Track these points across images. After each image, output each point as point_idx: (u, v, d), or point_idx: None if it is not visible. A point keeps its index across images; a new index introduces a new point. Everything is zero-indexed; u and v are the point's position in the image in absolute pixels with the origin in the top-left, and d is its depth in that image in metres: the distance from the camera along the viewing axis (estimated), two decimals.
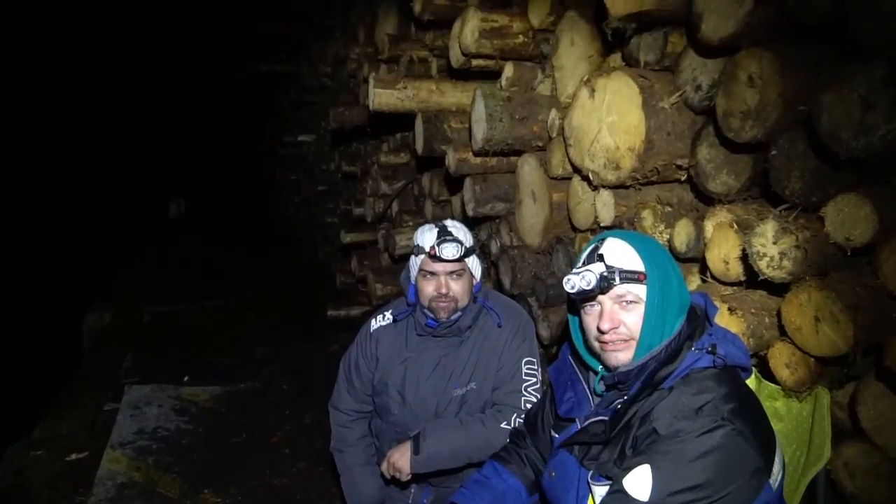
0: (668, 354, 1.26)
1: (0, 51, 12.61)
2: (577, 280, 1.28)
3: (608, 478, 1.27)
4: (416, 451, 1.92)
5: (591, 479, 1.30)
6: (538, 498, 1.63)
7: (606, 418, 1.29)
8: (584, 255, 1.36)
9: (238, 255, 9.84)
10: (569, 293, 1.31)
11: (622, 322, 1.29)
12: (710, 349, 1.24)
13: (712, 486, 1.11)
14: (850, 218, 1.37)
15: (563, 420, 1.45)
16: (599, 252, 1.32)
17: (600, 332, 1.30)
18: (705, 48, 1.64)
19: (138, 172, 16.90)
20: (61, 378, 5.29)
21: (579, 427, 1.37)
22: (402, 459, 1.94)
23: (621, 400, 1.29)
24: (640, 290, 1.28)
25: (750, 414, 1.20)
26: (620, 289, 1.28)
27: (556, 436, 1.48)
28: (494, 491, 1.61)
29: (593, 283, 1.26)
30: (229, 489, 3.44)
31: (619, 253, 1.30)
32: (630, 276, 1.27)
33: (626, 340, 1.29)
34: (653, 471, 1.15)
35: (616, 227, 2.09)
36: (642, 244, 1.33)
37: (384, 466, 2.00)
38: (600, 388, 1.39)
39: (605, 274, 1.27)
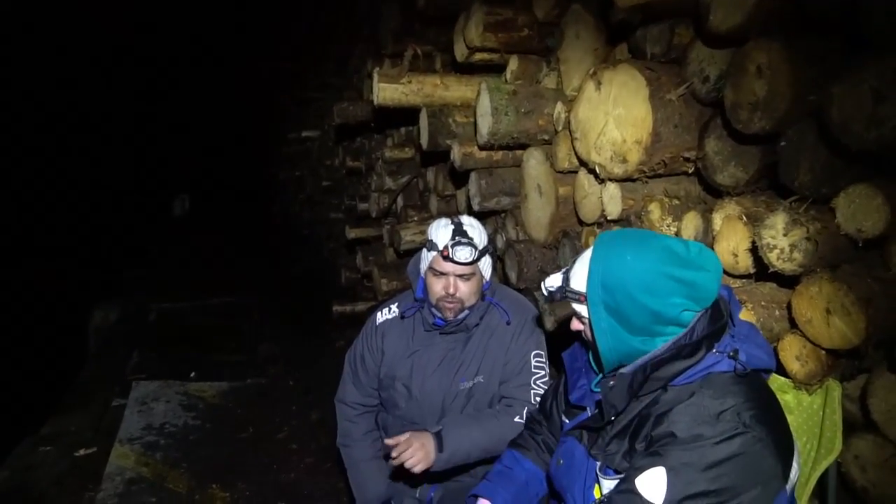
0: (662, 360, 1.22)
1: (5, 48, 12.66)
2: (544, 286, 1.34)
3: (616, 471, 1.26)
4: (440, 448, 1.84)
5: (599, 470, 1.30)
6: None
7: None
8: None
9: (243, 253, 9.88)
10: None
11: (581, 332, 1.33)
12: (731, 354, 1.20)
13: (728, 493, 1.10)
14: (861, 209, 1.36)
15: (575, 407, 1.45)
16: (574, 259, 1.34)
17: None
18: (713, 39, 1.63)
19: (143, 170, 16.97)
20: (69, 375, 5.32)
21: (590, 415, 1.38)
22: (425, 457, 1.79)
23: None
24: (583, 310, 1.28)
25: (771, 420, 1.17)
26: (571, 304, 1.30)
27: (567, 422, 1.48)
28: (517, 481, 1.61)
29: (548, 293, 1.33)
30: (237, 484, 3.46)
31: (578, 269, 1.30)
32: (572, 296, 1.29)
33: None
34: (668, 474, 1.13)
35: (623, 222, 2.08)
36: (604, 263, 1.24)
37: (398, 448, 1.79)
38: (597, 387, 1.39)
39: (553, 289, 1.32)
